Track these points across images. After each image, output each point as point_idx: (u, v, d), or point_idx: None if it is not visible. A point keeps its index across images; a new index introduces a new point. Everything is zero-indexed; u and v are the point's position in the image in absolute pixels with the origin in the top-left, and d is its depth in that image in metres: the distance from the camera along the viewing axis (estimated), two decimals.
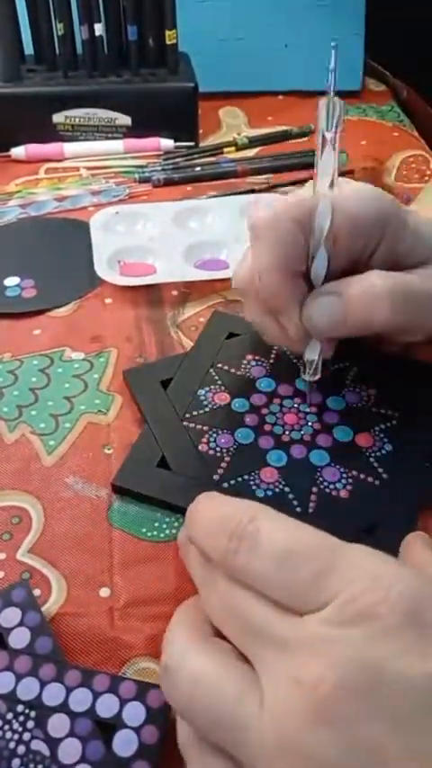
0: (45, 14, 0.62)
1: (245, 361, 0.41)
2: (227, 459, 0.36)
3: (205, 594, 0.25)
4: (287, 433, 0.37)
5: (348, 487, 0.34)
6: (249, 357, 0.41)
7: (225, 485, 0.34)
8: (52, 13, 0.62)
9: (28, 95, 0.63)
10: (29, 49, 0.65)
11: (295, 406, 0.38)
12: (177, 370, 0.40)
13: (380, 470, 0.35)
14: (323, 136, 0.31)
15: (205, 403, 0.38)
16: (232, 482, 0.34)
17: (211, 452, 0.36)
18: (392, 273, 0.32)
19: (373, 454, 0.36)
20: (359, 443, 0.36)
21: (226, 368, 0.41)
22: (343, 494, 0.34)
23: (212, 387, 0.39)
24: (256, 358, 0.41)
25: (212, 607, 0.24)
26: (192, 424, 0.37)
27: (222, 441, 0.36)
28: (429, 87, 0.73)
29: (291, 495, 0.34)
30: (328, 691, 0.19)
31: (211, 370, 0.40)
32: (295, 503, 0.34)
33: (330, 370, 0.39)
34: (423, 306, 0.33)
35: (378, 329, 0.33)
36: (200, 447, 0.36)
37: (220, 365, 0.41)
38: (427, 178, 0.62)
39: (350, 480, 0.35)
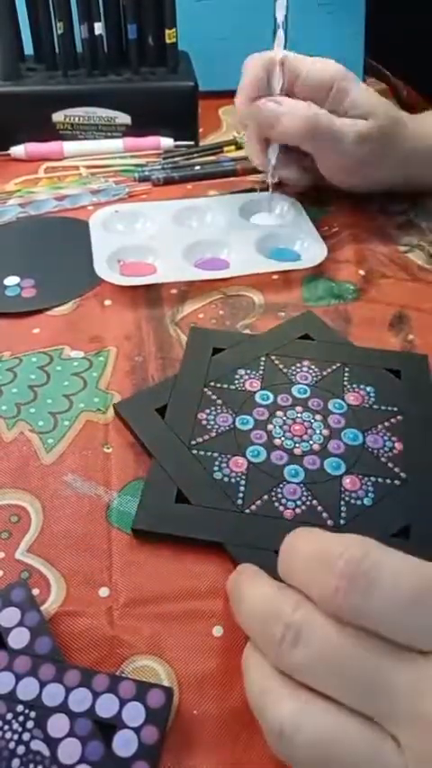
0: (45, 13, 0.62)
1: (299, 364, 0.40)
2: (213, 433, 0.35)
3: (295, 650, 0.22)
4: (298, 445, 0.36)
5: (297, 511, 0.33)
6: (306, 363, 0.41)
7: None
8: (52, 12, 0.61)
9: (28, 94, 0.63)
10: (29, 48, 0.65)
11: (311, 421, 0.37)
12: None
13: (342, 515, 0.33)
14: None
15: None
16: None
17: (226, 478, 0.35)
18: (320, 110, 0.48)
19: (348, 499, 0.34)
20: (344, 482, 0.35)
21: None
22: (288, 513, 0.33)
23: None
24: (312, 367, 0.40)
25: (310, 659, 0.22)
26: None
27: (221, 418, 0.36)
28: (429, 87, 0.73)
29: (241, 489, 0.34)
30: None
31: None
32: (240, 495, 0.34)
33: (367, 404, 0.38)
34: (328, 139, 0.49)
35: (297, 142, 0.50)
36: (199, 414, 0.36)
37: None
38: None
39: (304, 506, 0.34)
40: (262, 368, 0.40)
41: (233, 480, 0.34)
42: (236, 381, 0.39)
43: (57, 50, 0.64)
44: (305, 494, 0.34)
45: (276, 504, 0.33)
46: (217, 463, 0.35)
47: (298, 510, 0.33)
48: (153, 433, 0.37)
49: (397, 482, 0.34)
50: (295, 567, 0.24)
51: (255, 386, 0.39)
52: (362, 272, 0.50)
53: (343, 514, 0.33)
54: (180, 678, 0.28)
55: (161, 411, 0.38)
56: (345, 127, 0.49)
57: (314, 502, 0.34)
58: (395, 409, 0.38)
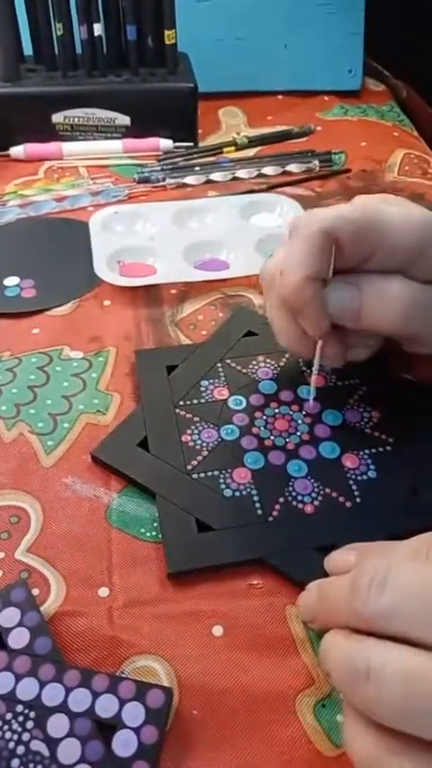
0: (44, 14, 0.62)
1: (255, 361, 0.41)
2: (204, 452, 0.36)
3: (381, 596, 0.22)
4: (271, 438, 0.36)
5: (316, 503, 0.34)
6: (261, 358, 0.41)
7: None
8: (51, 14, 0.61)
9: (27, 95, 0.63)
10: (28, 49, 0.65)
11: (290, 413, 0.38)
12: (186, 358, 0.40)
13: (356, 494, 0.34)
14: None
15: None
16: (203, 475, 0.34)
17: (191, 443, 0.36)
18: (415, 284, 0.32)
19: (354, 477, 0.34)
20: (344, 463, 0.35)
21: (233, 365, 0.40)
22: (308, 509, 0.33)
23: (215, 380, 0.39)
24: (267, 360, 0.41)
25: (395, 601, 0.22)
26: (182, 412, 0.37)
27: (206, 434, 0.36)
28: (429, 87, 0.73)
29: (256, 499, 0.34)
30: None
31: (219, 365, 0.40)
32: (257, 506, 0.33)
33: (330, 383, 0.39)
34: None
35: (387, 332, 0.33)
36: (183, 437, 0.36)
37: (228, 361, 0.41)
38: (429, 175, 0.62)
39: (320, 497, 0.34)
40: (222, 374, 0.40)
41: (244, 493, 0.34)
42: (203, 394, 0.39)
43: (56, 51, 0.64)
44: (315, 485, 0.34)
45: (294, 503, 0.34)
46: (221, 480, 0.35)
47: (316, 503, 0.34)
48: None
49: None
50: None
51: (224, 394, 0.39)
52: None
53: (356, 493, 0.34)
54: (180, 678, 0.28)
55: (143, 445, 0.37)
56: None
57: (327, 490, 0.34)
58: (357, 381, 0.39)
